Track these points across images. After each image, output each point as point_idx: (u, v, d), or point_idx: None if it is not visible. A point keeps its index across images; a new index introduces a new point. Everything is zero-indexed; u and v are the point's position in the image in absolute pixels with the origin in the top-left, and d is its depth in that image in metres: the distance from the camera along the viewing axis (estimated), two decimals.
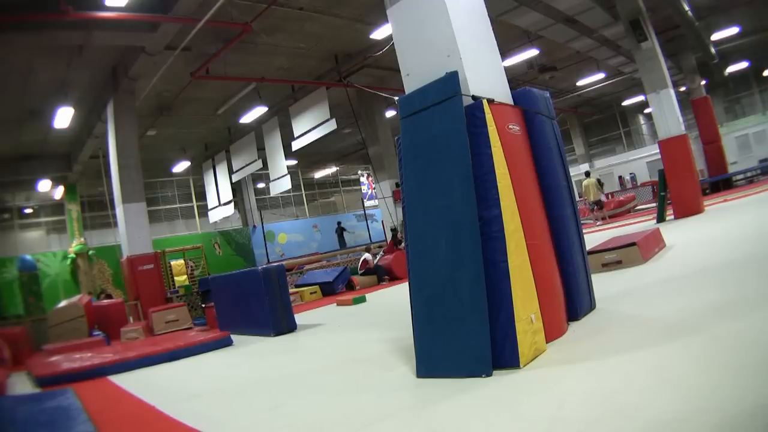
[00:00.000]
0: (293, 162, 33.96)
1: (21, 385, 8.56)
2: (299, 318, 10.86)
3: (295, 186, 37.69)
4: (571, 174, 6.66)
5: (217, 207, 27.90)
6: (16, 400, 6.70)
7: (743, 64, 33.04)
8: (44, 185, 25.14)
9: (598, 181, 23.47)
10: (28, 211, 29.79)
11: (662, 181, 16.67)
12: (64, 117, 17.32)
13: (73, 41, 13.69)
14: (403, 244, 17.68)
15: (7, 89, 16.11)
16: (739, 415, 2.84)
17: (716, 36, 26.22)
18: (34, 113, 18.29)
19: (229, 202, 27.19)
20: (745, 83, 35.85)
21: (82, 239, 26.83)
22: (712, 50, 26.36)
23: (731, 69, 33.33)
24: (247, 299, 10.46)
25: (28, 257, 22.24)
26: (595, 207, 23.33)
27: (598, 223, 23.09)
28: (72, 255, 26.34)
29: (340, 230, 37.12)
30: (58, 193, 26.90)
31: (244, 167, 24.76)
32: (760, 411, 2.82)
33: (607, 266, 9.24)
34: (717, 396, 3.13)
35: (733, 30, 25.99)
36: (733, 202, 17.52)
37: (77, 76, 16.32)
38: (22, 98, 17.04)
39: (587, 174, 24.52)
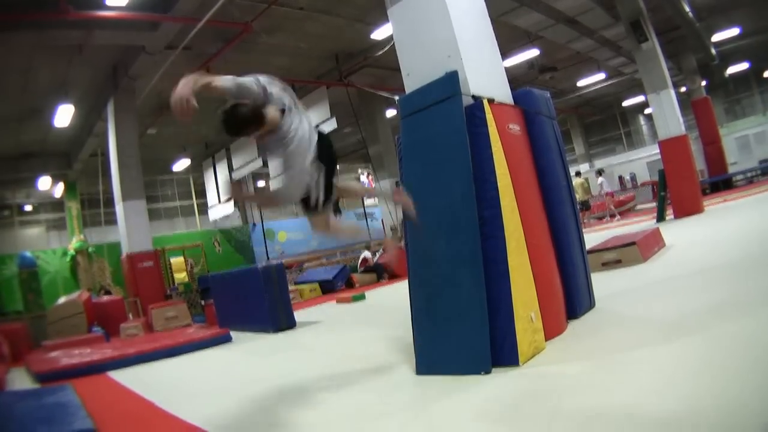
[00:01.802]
0: None
1: (20, 380, 8.57)
2: (298, 315, 10.87)
3: None
4: (571, 174, 6.68)
5: (217, 205, 27.91)
6: (15, 396, 6.72)
7: (744, 65, 33.04)
8: (44, 183, 25.15)
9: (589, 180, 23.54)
10: (28, 208, 29.77)
11: (662, 181, 16.69)
12: (64, 115, 17.34)
13: (74, 40, 13.69)
14: (402, 243, 17.69)
15: (7, 88, 16.12)
16: (738, 414, 2.86)
17: (717, 37, 26.23)
18: (35, 111, 18.29)
19: (228, 200, 27.18)
20: (746, 84, 35.84)
21: (82, 236, 26.84)
22: (713, 51, 26.36)
23: (731, 70, 33.36)
24: (247, 296, 10.48)
25: (28, 254, 22.25)
26: (582, 208, 23.28)
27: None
28: (72, 252, 26.34)
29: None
30: (58, 190, 26.90)
31: (244, 165, 24.75)
32: (759, 411, 2.83)
33: (606, 265, 9.26)
34: (716, 395, 3.14)
35: (734, 31, 25.99)
36: (733, 203, 17.54)
37: (77, 75, 16.33)
38: (23, 97, 17.04)
39: (577, 174, 24.67)
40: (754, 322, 4.35)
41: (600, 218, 25.16)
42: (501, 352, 4.59)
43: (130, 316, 15.37)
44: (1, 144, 21.16)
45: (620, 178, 40.75)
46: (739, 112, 36.74)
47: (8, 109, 17.82)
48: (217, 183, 27.59)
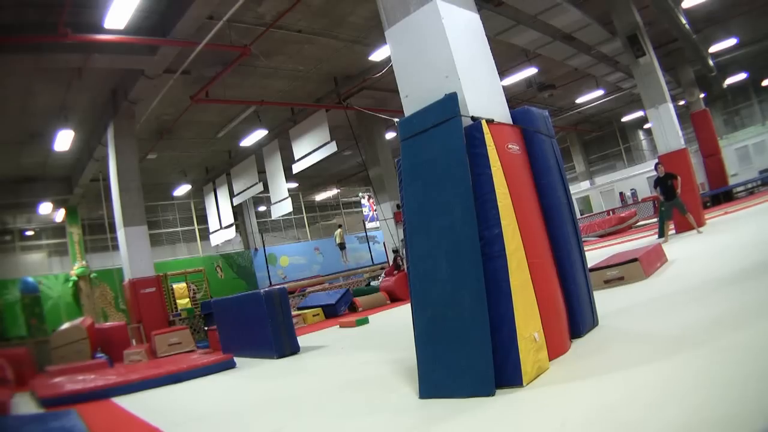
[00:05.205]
0: (294, 184, 33.96)
1: (24, 405, 8.56)
2: (302, 340, 10.84)
3: (296, 208, 37.67)
4: (572, 191, 6.69)
5: (218, 230, 27.90)
6: (19, 421, 6.70)
7: (742, 76, 33.10)
8: (45, 208, 25.12)
9: None
10: (30, 233, 29.80)
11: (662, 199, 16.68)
12: (64, 140, 17.33)
13: (73, 64, 13.72)
14: (402, 268, 17.68)
15: (6, 112, 16.14)
16: (743, 426, 2.84)
17: (714, 48, 26.36)
18: (35, 136, 18.32)
19: (230, 225, 27.18)
20: (744, 94, 35.90)
21: (84, 262, 26.82)
22: (711, 63, 26.47)
23: (730, 81, 33.39)
24: (250, 322, 10.45)
25: (30, 279, 22.27)
26: None
27: None
28: (74, 278, 26.32)
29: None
30: (59, 215, 26.91)
31: (245, 190, 24.77)
32: (759, 421, 2.82)
33: (609, 283, 9.24)
34: (720, 409, 3.14)
35: (731, 41, 26.15)
36: (734, 215, 17.56)
37: (77, 99, 16.36)
38: (22, 121, 17.06)
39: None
40: (757, 334, 4.35)
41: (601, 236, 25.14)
42: (504, 373, 4.58)
43: (134, 342, 15.34)
44: (1, 168, 21.18)
45: (621, 194, 40.79)
46: (738, 123, 36.79)
47: (8, 133, 17.83)
48: (218, 208, 27.60)
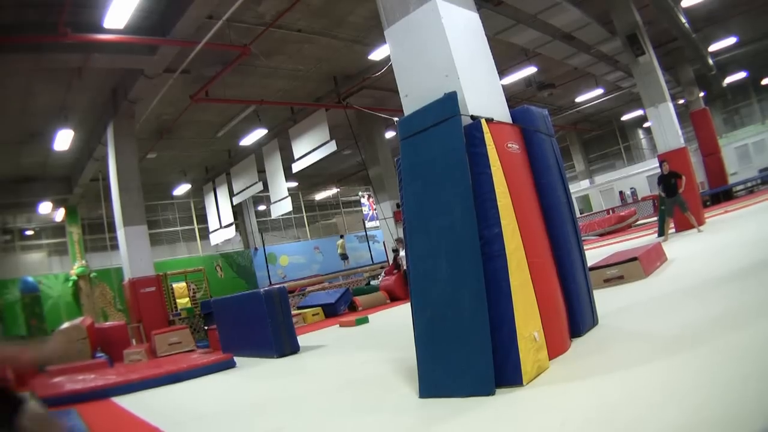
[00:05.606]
0: (294, 184, 33.97)
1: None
2: (302, 340, 10.82)
3: (296, 208, 37.67)
4: (571, 190, 6.67)
5: (218, 229, 27.89)
6: None
7: (741, 75, 33.10)
8: (45, 207, 25.11)
9: None
10: (30, 233, 29.79)
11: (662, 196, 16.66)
12: (64, 139, 17.33)
13: (72, 63, 13.70)
14: (402, 267, 17.62)
15: (6, 111, 16.12)
16: (743, 425, 2.84)
17: (714, 47, 26.35)
18: (35, 135, 18.30)
19: (230, 225, 27.18)
20: (744, 93, 35.89)
21: (84, 261, 26.78)
22: (710, 61, 26.46)
23: (729, 79, 33.40)
24: (250, 321, 10.43)
25: (30, 279, 22.25)
26: None
27: None
28: (74, 277, 26.29)
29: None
30: (59, 215, 26.89)
31: (244, 189, 24.75)
32: (758, 420, 2.82)
33: (609, 282, 9.23)
34: (720, 408, 3.14)
35: (731, 40, 26.13)
36: (734, 213, 17.56)
37: (77, 99, 16.34)
38: (22, 120, 17.05)
39: None
40: (757, 333, 4.35)
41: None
42: (504, 373, 4.58)
43: (134, 341, 15.32)
44: (1, 168, 21.18)
45: (621, 193, 40.77)
46: (737, 122, 36.79)
47: (8, 133, 17.81)
48: (218, 207, 27.58)
